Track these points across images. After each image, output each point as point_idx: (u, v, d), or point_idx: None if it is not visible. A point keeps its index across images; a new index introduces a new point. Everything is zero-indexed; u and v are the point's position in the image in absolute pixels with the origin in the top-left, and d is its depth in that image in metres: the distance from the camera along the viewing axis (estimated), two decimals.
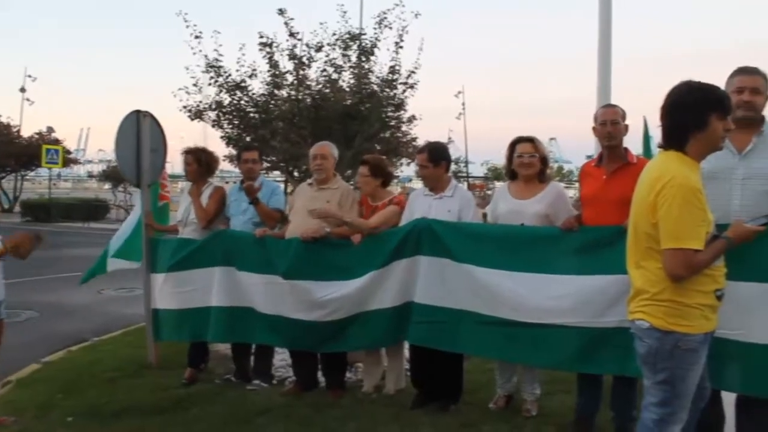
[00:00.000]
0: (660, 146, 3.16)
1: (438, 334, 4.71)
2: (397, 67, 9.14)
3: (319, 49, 9.00)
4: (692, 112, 2.88)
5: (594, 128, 4.38)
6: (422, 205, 4.99)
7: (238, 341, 5.84)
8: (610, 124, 4.31)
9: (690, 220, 2.79)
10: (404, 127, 10.75)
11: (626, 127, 4.39)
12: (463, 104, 38.19)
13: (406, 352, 5.48)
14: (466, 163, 41.22)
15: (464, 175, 41.30)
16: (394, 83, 9.16)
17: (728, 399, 4.05)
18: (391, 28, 9.15)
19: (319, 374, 5.60)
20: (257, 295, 5.38)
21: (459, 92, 38.81)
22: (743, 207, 3.67)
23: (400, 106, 9.44)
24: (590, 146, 4.48)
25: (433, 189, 5.04)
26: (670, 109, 2.94)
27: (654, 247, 2.90)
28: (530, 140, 4.74)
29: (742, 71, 3.84)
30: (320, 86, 8.92)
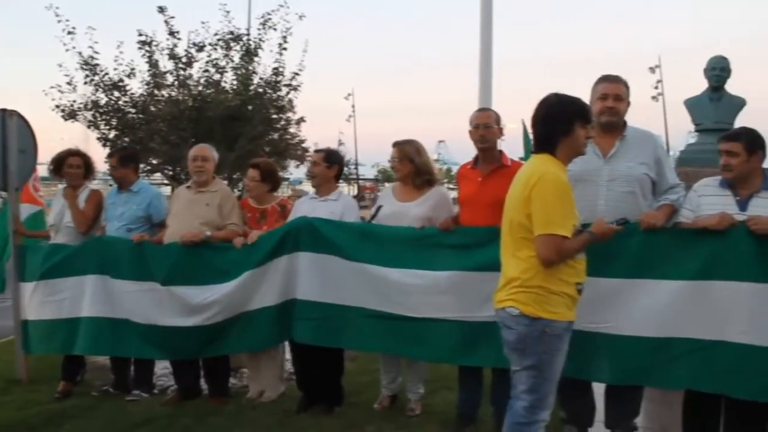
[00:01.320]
0: (532, 151, 3.36)
1: (322, 331, 4.71)
2: (280, 69, 9.09)
3: (200, 49, 8.82)
4: (560, 121, 3.18)
5: (469, 131, 4.50)
6: (307, 207, 5.04)
7: (110, 354, 5.61)
8: (482, 127, 4.43)
9: (561, 211, 3.06)
10: (293, 129, 10.72)
11: (500, 130, 4.54)
12: (353, 106, 38.50)
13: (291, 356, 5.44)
14: (356, 165, 41.53)
15: (355, 177, 41.63)
16: (278, 85, 9.09)
17: (599, 390, 4.28)
18: (275, 29, 9.10)
19: (203, 381, 5.45)
20: (132, 304, 5.17)
21: (349, 94, 39.12)
22: (608, 207, 3.88)
23: (282, 108, 9.37)
24: None
25: (319, 191, 5.08)
26: (541, 118, 3.24)
27: (527, 237, 3.12)
28: (395, 145, 4.84)
29: (606, 79, 4.06)
30: (202, 87, 8.73)
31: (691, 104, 6.59)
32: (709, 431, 3.86)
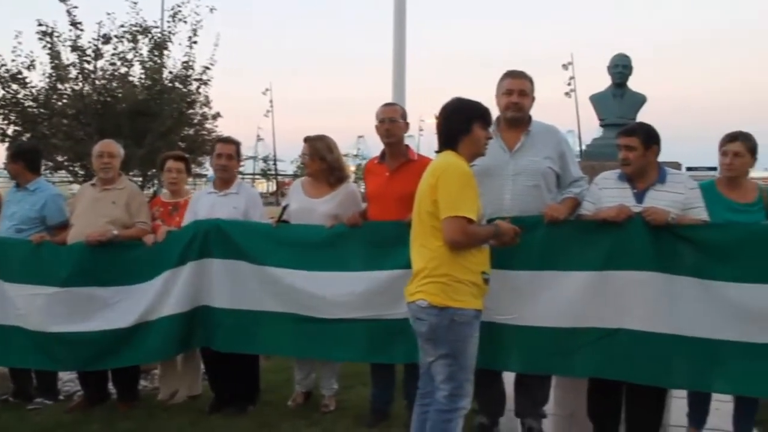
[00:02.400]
0: (436, 151, 3.49)
1: (238, 338, 4.61)
2: (191, 63, 8.89)
3: (106, 41, 8.52)
4: (461, 120, 3.37)
5: (375, 126, 4.50)
6: (205, 204, 4.89)
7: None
8: (388, 121, 4.44)
9: (465, 195, 3.21)
10: (209, 125, 10.55)
11: (406, 125, 4.57)
12: (271, 101, 38.03)
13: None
14: (275, 160, 41.14)
15: (273, 173, 41.26)
16: (188, 79, 8.89)
17: (508, 380, 4.38)
18: (185, 22, 8.89)
19: (111, 385, 5.24)
20: (27, 309, 4.84)
21: (266, 89, 38.61)
22: (514, 201, 3.98)
23: (193, 103, 9.18)
24: None
25: (220, 185, 4.95)
26: (444, 119, 3.42)
27: (436, 225, 3.23)
28: (306, 140, 4.81)
29: (510, 75, 4.14)
30: (106, 81, 8.45)
31: (596, 100, 6.79)
32: (612, 415, 4.00)
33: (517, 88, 4.08)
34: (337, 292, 4.37)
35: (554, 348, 3.93)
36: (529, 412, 4.26)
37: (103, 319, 4.74)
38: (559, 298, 3.89)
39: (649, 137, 3.83)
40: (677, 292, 3.70)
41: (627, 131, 3.89)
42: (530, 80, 4.15)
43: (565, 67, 30.58)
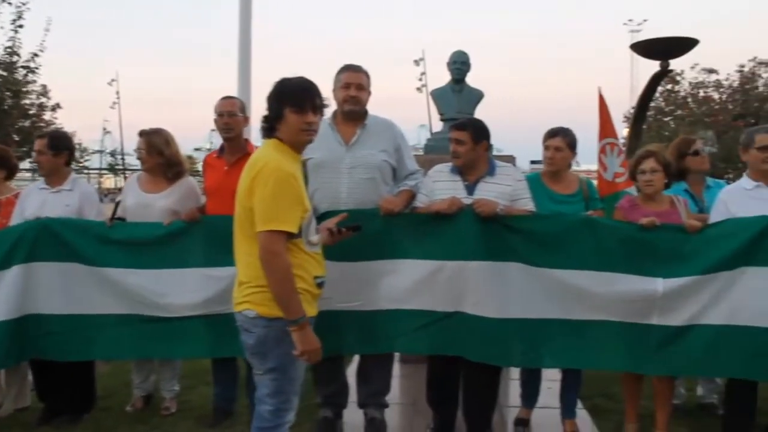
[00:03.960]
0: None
1: (72, 345, 4.31)
2: (15, 48, 8.19)
3: None
4: (272, 104, 3.01)
5: (214, 120, 4.42)
6: (35, 200, 4.56)
7: None
8: (227, 115, 4.38)
9: (283, 204, 2.85)
10: (47, 116, 9.87)
11: (246, 118, 4.52)
12: (118, 93, 36.14)
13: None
14: (122, 155, 39.36)
15: (121, 167, 39.52)
16: (13, 66, 8.19)
17: (350, 372, 4.42)
18: (10, 3, 8.22)
19: None
20: None
21: (113, 80, 36.58)
22: (350, 194, 4.02)
23: (20, 92, 8.48)
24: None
25: (49, 181, 4.64)
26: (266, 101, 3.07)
27: (254, 232, 2.90)
28: (142, 134, 4.64)
29: (348, 68, 4.17)
30: None
31: (437, 95, 6.99)
32: (449, 401, 4.14)
33: (355, 81, 4.11)
34: (178, 289, 4.21)
35: (395, 329, 4.02)
36: (371, 402, 4.32)
37: None
38: (398, 284, 3.97)
39: (479, 132, 3.97)
40: (506, 278, 3.87)
41: (458, 126, 4.02)
42: (367, 74, 4.20)
43: (416, 62, 31.17)
